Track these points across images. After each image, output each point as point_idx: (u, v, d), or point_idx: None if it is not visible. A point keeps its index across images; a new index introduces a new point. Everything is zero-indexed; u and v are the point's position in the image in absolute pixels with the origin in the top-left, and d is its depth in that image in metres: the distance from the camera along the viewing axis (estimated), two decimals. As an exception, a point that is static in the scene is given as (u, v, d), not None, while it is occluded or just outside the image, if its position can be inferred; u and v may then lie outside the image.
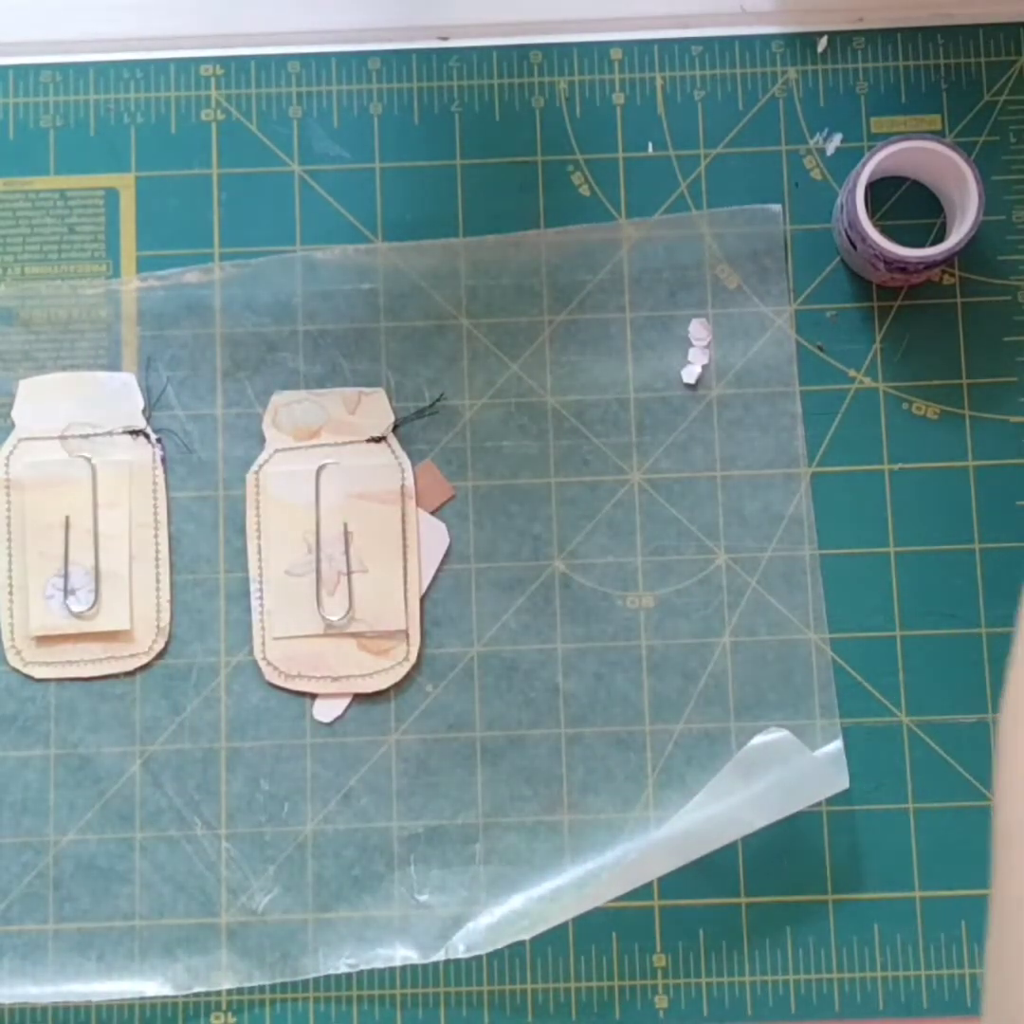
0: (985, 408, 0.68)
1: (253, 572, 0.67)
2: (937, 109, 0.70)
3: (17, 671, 0.67)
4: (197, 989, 0.65)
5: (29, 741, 0.66)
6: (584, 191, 0.69)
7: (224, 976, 0.65)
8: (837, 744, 0.65)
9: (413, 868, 0.66)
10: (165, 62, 0.70)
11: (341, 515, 0.67)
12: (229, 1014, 0.65)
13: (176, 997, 0.65)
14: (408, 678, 0.67)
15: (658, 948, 0.65)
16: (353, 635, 0.67)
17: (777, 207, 0.69)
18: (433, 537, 0.67)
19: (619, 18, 0.70)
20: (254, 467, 0.68)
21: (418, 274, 0.69)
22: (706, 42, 0.70)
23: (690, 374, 0.68)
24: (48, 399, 0.68)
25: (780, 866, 0.65)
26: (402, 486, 0.67)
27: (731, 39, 0.70)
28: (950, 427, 0.68)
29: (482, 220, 0.69)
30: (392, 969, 0.65)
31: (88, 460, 0.67)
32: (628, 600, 0.67)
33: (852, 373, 0.68)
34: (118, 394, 0.68)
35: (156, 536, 0.67)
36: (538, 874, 0.66)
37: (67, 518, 0.67)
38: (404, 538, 0.67)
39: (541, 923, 0.64)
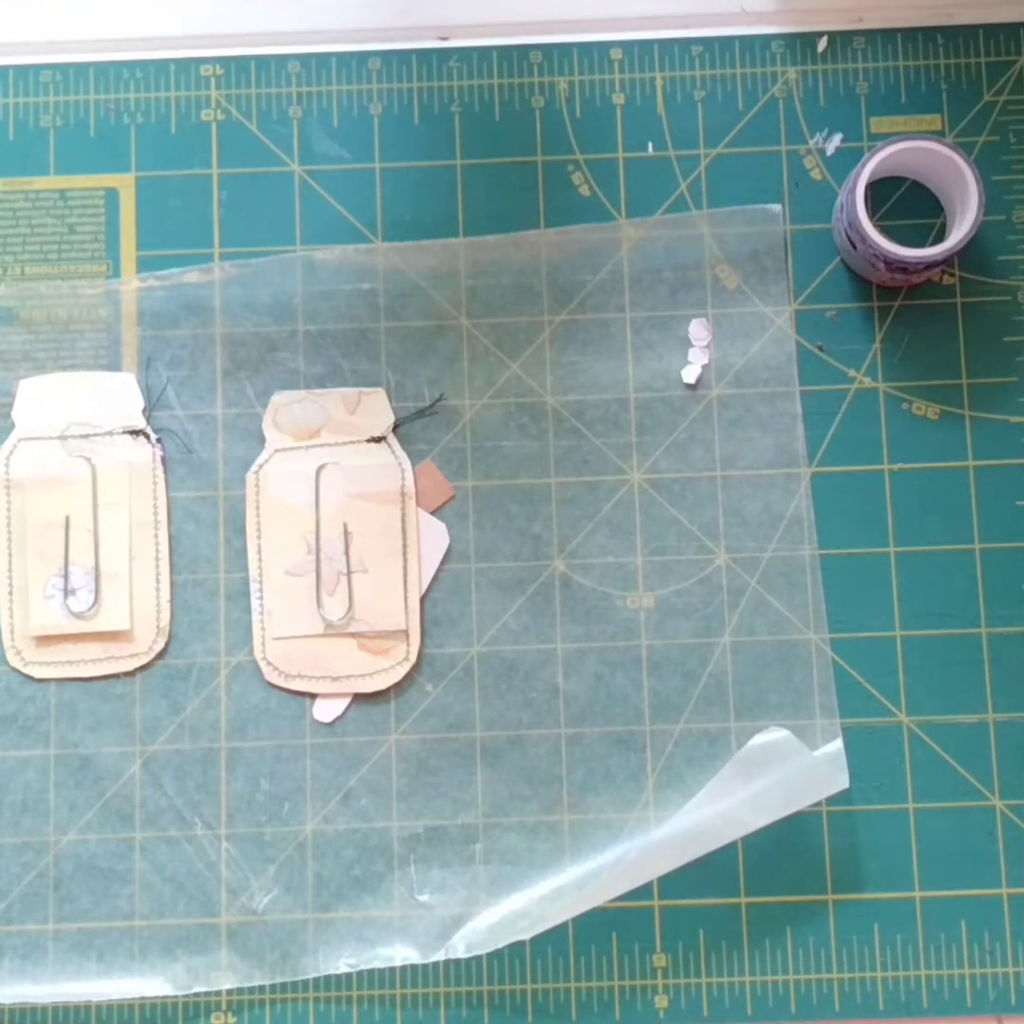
0: (985, 408, 0.68)
1: (253, 572, 0.67)
2: (937, 109, 0.70)
3: (17, 671, 0.67)
4: (197, 989, 0.65)
5: (29, 741, 0.66)
6: (584, 191, 0.69)
7: (224, 976, 0.65)
8: (837, 744, 0.65)
9: (413, 868, 0.66)
10: (165, 62, 0.70)
11: (341, 515, 0.67)
12: (229, 1014, 0.65)
13: (176, 997, 0.65)
14: (408, 678, 0.67)
15: (658, 948, 0.65)
16: (353, 635, 0.67)
17: (777, 207, 0.69)
18: (433, 537, 0.67)
19: (619, 18, 0.70)
20: (254, 467, 0.68)
21: (418, 274, 0.69)
22: (706, 42, 0.70)
23: (690, 374, 0.68)
24: (48, 399, 0.68)
25: (780, 866, 0.65)
26: (402, 486, 0.67)
27: (731, 39, 0.70)
28: (950, 427, 0.68)
29: (482, 220, 0.69)
30: (392, 969, 0.65)
31: (88, 460, 0.67)
32: (628, 600, 0.67)
33: (852, 373, 0.68)
34: (118, 394, 0.68)
35: (156, 536, 0.67)
36: (538, 874, 0.66)
37: (67, 518, 0.67)
38: (404, 538, 0.67)
39: (541, 923, 0.64)
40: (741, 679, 0.66)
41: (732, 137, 0.69)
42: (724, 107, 0.70)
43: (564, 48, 0.70)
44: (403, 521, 0.67)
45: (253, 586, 0.67)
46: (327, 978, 0.65)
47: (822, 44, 0.70)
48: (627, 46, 0.70)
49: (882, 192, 0.68)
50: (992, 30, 0.70)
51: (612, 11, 0.70)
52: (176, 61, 0.70)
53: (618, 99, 0.70)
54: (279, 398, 0.68)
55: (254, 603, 0.67)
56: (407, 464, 0.68)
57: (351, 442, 0.68)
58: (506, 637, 0.67)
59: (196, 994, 0.65)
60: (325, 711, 0.66)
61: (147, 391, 0.68)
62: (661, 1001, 0.65)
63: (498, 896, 0.65)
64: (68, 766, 0.66)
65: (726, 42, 0.70)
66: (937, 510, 0.67)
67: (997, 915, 0.65)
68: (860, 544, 0.67)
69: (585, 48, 0.70)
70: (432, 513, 0.68)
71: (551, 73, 0.70)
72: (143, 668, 0.67)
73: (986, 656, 0.66)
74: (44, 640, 0.67)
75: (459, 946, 0.65)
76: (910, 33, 0.70)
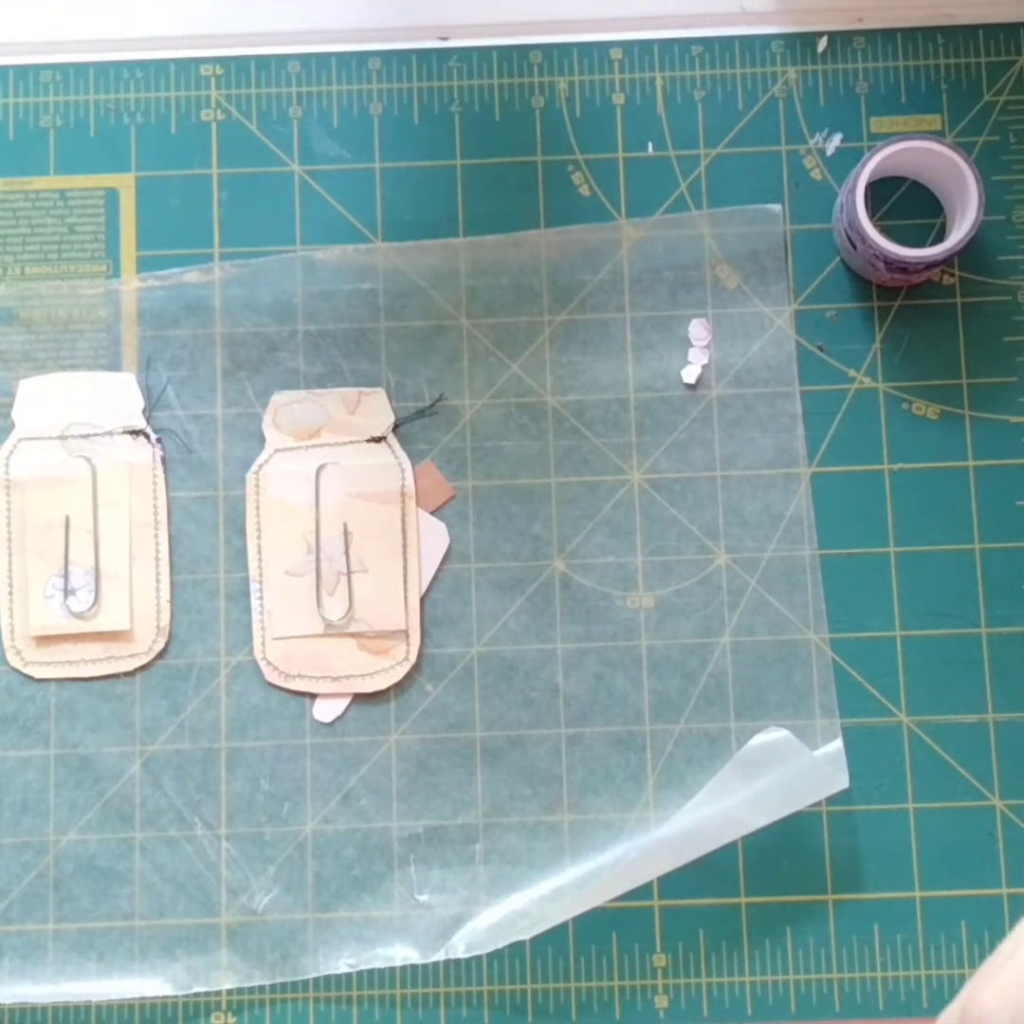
0: (985, 408, 0.68)
1: (253, 572, 0.67)
2: (937, 109, 0.70)
3: (17, 671, 0.67)
4: (197, 989, 0.65)
5: (29, 741, 0.66)
6: (584, 191, 0.69)
7: (224, 976, 0.65)
8: (837, 744, 0.65)
9: (413, 868, 0.66)
10: (165, 62, 0.70)
11: (341, 515, 0.67)
12: (229, 1014, 0.65)
13: (176, 997, 0.65)
14: (408, 678, 0.67)
15: (658, 948, 0.65)
16: (353, 635, 0.67)
17: (777, 207, 0.69)
18: (433, 537, 0.67)
19: (619, 18, 0.70)
20: (254, 467, 0.68)
21: (418, 274, 0.69)
22: (706, 42, 0.70)
23: (690, 374, 0.68)
24: (48, 399, 0.68)
25: (780, 866, 0.65)
26: (402, 486, 0.67)
27: (731, 39, 0.70)
28: (950, 427, 0.68)
29: (482, 220, 0.69)
30: (392, 969, 0.65)
31: (88, 460, 0.67)
32: (628, 600, 0.67)
33: (852, 373, 0.68)
34: (118, 394, 0.68)
35: (156, 536, 0.67)
36: (538, 874, 0.66)
37: (67, 518, 0.67)
38: (404, 538, 0.67)
39: (541, 923, 0.64)
40: (741, 679, 0.66)
41: (732, 137, 0.69)
42: (724, 107, 0.70)
43: (564, 48, 0.70)
44: (403, 521, 0.67)
45: (253, 586, 0.67)
46: (327, 978, 0.65)
47: (822, 44, 0.70)
48: (627, 46, 0.70)
49: (882, 192, 0.68)
50: (992, 30, 0.70)
51: (612, 11, 0.70)
52: (176, 61, 0.70)
53: (618, 99, 0.70)
54: (279, 398, 0.68)
55: (254, 603, 0.67)
56: (407, 464, 0.68)
57: (351, 442, 0.68)
58: (506, 637, 0.67)
59: (196, 994, 0.65)
60: (325, 711, 0.66)
61: (147, 391, 0.68)
62: (661, 1001, 0.65)
63: (498, 896, 0.65)
64: (68, 766, 0.66)
65: (726, 42, 0.70)
66: (937, 510, 0.67)
67: (997, 915, 0.65)
68: (860, 544, 0.67)
69: (585, 48, 0.70)
70: (432, 513, 0.68)
71: (551, 73, 0.70)
72: (143, 668, 0.67)
73: (986, 656, 0.66)
74: (44, 640, 0.67)
75: (459, 946, 0.65)
76: (910, 33, 0.70)
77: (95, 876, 0.66)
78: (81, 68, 0.70)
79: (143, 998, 0.65)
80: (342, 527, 0.67)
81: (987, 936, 0.65)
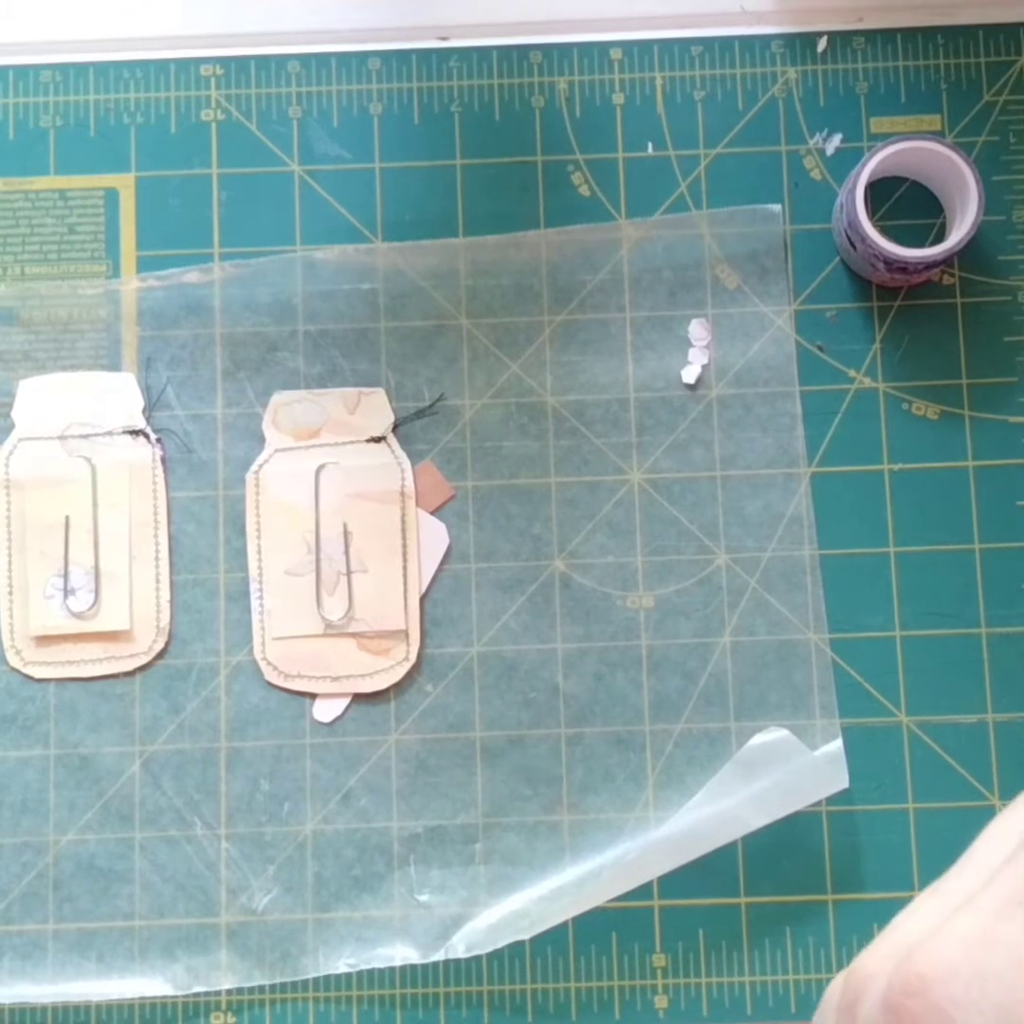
0: (985, 408, 0.68)
1: (253, 572, 0.67)
2: (937, 109, 0.70)
3: (17, 671, 0.67)
4: (197, 989, 0.65)
5: (29, 741, 0.66)
6: (584, 191, 0.69)
7: (224, 976, 0.65)
8: (837, 744, 0.65)
9: (413, 868, 0.66)
10: (165, 62, 0.70)
11: (341, 515, 0.67)
12: (229, 1014, 0.65)
13: (176, 997, 0.65)
14: (408, 678, 0.67)
15: (658, 948, 0.65)
16: (353, 635, 0.67)
17: (777, 207, 0.69)
18: (433, 537, 0.67)
19: (619, 18, 0.70)
20: (254, 467, 0.68)
21: (418, 274, 0.69)
22: (706, 42, 0.70)
23: (690, 374, 0.68)
24: (48, 399, 0.68)
25: (780, 866, 0.65)
26: (402, 486, 0.67)
27: (731, 39, 0.70)
28: (950, 427, 0.68)
29: (482, 220, 0.69)
30: (392, 969, 0.65)
31: (88, 460, 0.67)
32: (628, 600, 0.67)
33: (852, 373, 0.68)
34: (118, 394, 0.68)
35: (156, 536, 0.67)
36: (538, 874, 0.66)
37: (67, 518, 0.67)
38: (404, 538, 0.67)
39: (541, 923, 0.64)
40: (741, 679, 0.66)
41: (732, 137, 0.69)
42: (724, 107, 0.70)
43: (564, 48, 0.70)
44: (403, 521, 0.67)
45: (253, 586, 0.67)
46: (327, 978, 0.65)
47: (822, 44, 0.70)
48: (627, 46, 0.70)
49: (882, 192, 0.68)
50: (992, 30, 0.70)
51: (612, 11, 0.70)
52: (176, 61, 0.70)
53: (618, 99, 0.70)
54: (279, 398, 0.68)
55: (254, 603, 0.67)
56: (407, 464, 0.68)
57: (351, 442, 0.68)
58: (506, 637, 0.67)
59: (196, 994, 0.65)
60: (325, 711, 0.66)
61: (147, 391, 0.68)
62: (661, 1001, 0.65)
63: (498, 896, 0.65)
64: (68, 766, 0.66)
65: (726, 42, 0.70)
66: (937, 510, 0.67)
67: (997, 915, 0.65)
68: (860, 544, 0.67)
69: (585, 48, 0.70)
70: (432, 513, 0.68)
71: (551, 73, 0.70)
72: (143, 668, 0.67)
73: (986, 656, 0.66)
74: (44, 640, 0.67)
75: (459, 946, 0.65)
76: (910, 33, 0.70)
77: (95, 876, 0.66)
78: (81, 68, 0.70)
79: (143, 998, 0.65)
80: (342, 527, 0.67)
81: (987, 936, 0.65)
